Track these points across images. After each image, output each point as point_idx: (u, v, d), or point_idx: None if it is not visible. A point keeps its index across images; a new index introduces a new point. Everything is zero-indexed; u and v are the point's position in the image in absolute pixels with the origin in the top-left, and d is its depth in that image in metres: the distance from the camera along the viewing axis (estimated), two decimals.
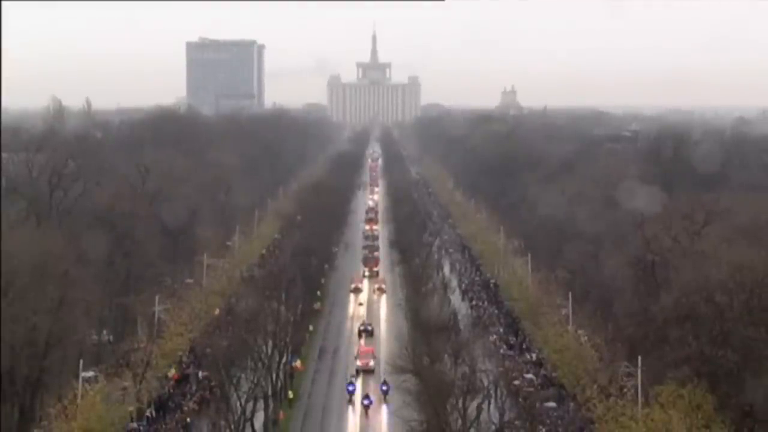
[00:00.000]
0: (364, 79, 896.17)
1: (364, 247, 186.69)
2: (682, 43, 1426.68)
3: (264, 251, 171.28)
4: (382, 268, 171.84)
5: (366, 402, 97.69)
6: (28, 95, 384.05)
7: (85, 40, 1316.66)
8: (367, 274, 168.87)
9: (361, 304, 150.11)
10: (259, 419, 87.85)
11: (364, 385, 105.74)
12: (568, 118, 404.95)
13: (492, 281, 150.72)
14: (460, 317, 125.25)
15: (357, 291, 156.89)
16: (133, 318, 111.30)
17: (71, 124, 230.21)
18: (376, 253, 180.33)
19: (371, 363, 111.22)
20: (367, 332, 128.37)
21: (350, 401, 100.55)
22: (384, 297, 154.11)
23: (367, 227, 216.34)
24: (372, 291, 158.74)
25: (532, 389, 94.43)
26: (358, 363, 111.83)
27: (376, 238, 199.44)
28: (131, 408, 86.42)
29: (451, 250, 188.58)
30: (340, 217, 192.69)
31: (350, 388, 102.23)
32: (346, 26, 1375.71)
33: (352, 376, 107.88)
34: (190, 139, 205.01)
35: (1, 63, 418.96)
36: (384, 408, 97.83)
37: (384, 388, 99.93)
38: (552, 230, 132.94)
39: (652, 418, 72.95)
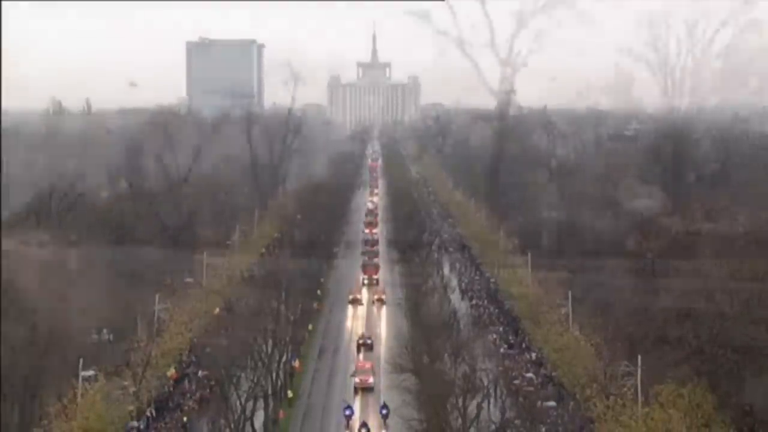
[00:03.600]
0: (364, 79, 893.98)
1: (363, 253, 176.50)
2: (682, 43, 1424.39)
3: (264, 250, 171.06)
4: (382, 269, 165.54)
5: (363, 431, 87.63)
6: (28, 95, 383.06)
7: (85, 40, 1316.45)
8: (366, 282, 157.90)
9: (361, 304, 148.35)
10: (259, 418, 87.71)
11: (363, 406, 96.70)
12: (568, 118, 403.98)
13: (492, 281, 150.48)
14: (460, 317, 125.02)
15: (356, 302, 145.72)
16: (133, 318, 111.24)
17: (71, 125, 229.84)
18: (375, 260, 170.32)
19: (370, 380, 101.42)
20: (366, 346, 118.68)
21: (348, 427, 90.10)
22: (384, 308, 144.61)
23: (367, 230, 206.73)
24: (371, 301, 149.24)
25: (531, 388, 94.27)
26: (356, 380, 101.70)
27: (375, 242, 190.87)
28: (131, 407, 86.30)
29: (450, 250, 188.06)
30: (340, 217, 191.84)
31: (347, 411, 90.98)
32: (346, 26, 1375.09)
33: (352, 378, 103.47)
34: (190, 139, 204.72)
35: (1, 63, 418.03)
36: None
37: (384, 411, 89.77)
38: (552, 230, 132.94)
39: (652, 417, 72.83)
